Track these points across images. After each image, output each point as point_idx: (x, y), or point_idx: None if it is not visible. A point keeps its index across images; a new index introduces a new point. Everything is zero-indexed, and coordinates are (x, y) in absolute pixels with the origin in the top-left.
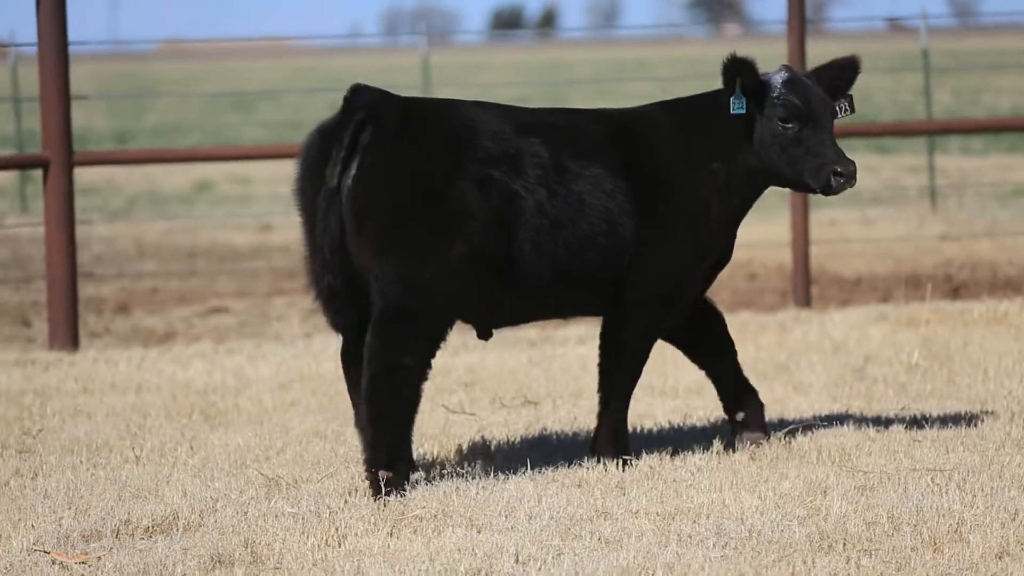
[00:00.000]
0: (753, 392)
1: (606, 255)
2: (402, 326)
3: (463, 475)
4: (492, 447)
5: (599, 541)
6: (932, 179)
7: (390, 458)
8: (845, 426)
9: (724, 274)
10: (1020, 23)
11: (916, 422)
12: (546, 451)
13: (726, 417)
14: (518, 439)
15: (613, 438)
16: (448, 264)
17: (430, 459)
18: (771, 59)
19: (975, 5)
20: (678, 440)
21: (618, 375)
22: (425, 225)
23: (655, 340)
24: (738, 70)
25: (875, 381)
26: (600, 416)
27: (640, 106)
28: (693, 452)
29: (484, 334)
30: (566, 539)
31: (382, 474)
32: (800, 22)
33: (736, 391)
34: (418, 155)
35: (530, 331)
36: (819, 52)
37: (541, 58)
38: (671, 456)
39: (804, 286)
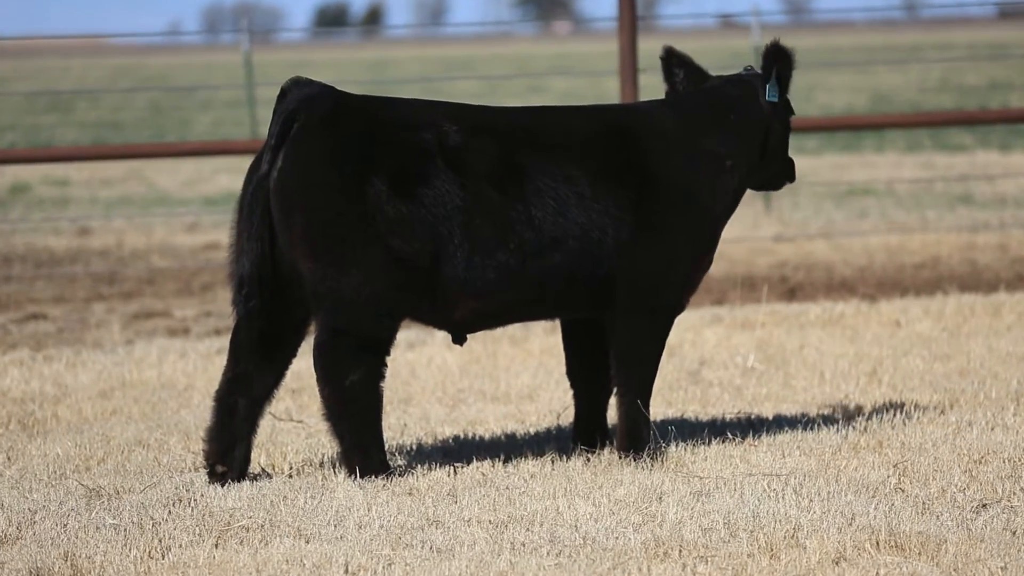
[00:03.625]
0: (604, 431)
1: (579, 257)
2: (341, 346)
3: (291, 484)
4: (321, 455)
5: (431, 550)
6: None
7: (364, 466)
8: (681, 431)
9: None
10: (853, 20)
11: (752, 426)
12: None
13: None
14: None
15: (631, 438)
16: (371, 269)
17: (256, 468)
18: (603, 57)
19: (808, 2)
20: (511, 446)
21: (628, 375)
22: (345, 227)
23: (665, 337)
24: (777, 59)
25: (710, 385)
26: (618, 416)
27: (638, 102)
28: (526, 458)
29: (456, 338)
30: (397, 548)
31: (362, 484)
32: (631, 19)
33: (591, 424)
34: (338, 150)
35: None
36: (651, 49)
37: (366, 56)
38: (504, 463)
39: None
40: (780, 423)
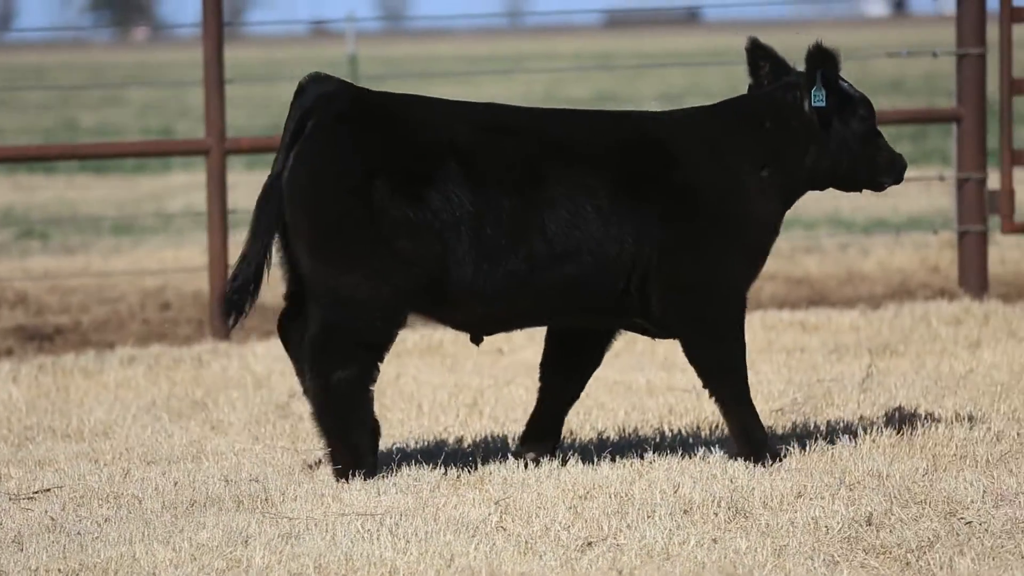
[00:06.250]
0: (556, 440)
1: (593, 270)
2: (333, 341)
3: None
4: None
5: None
6: None
7: (354, 459)
8: (268, 468)
9: (133, 303)
10: (451, 28)
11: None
12: None
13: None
14: None
15: (745, 444)
16: (374, 269)
17: None
18: (186, 66)
19: (405, 9)
20: (84, 489)
21: (719, 390)
22: (349, 227)
23: (738, 341)
24: (822, 61)
25: (300, 419)
26: (730, 431)
27: (673, 110)
28: (100, 502)
29: (474, 339)
30: None
31: (352, 474)
32: (217, 26)
33: (545, 429)
34: (348, 151)
35: None
36: (238, 58)
37: None
38: (76, 506)
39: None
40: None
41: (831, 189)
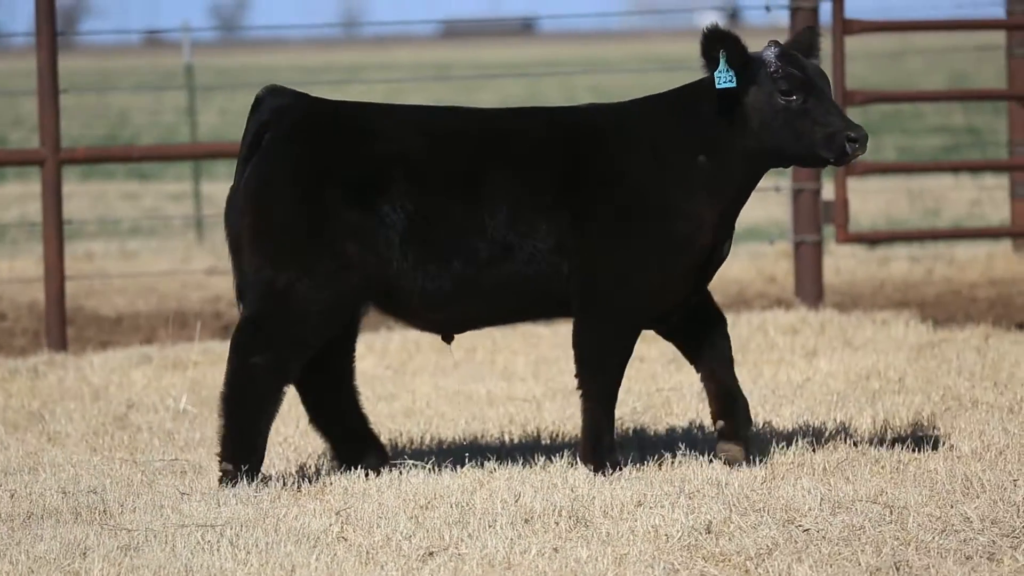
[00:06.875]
0: (741, 402)
1: (528, 265)
2: (256, 328)
3: None
4: None
5: None
6: (198, 208)
7: (234, 451)
8: (107, 480)
9: None
10: (287, 37)
11: (185, 473)
12: None
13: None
14: None
15: (593, 447)
16: (312, 272)
17: None
18: (20, 74)
19: (240, 19)
20: None
21: (589, 383)
22: (291, 230)
23: (626, 344)
24: (719, 42)
25: (139, 429)
26: (582, 426)
27: (604, 104)
28: None
29: (444, 338)
30: None
31: (224, 465)
32: (51, 35)
33: (723, 398)
34: (301, 164)
35: None
36: (73, 67)
37: None
38: None
39: (59, 327)
40: (214, 470)
41: None
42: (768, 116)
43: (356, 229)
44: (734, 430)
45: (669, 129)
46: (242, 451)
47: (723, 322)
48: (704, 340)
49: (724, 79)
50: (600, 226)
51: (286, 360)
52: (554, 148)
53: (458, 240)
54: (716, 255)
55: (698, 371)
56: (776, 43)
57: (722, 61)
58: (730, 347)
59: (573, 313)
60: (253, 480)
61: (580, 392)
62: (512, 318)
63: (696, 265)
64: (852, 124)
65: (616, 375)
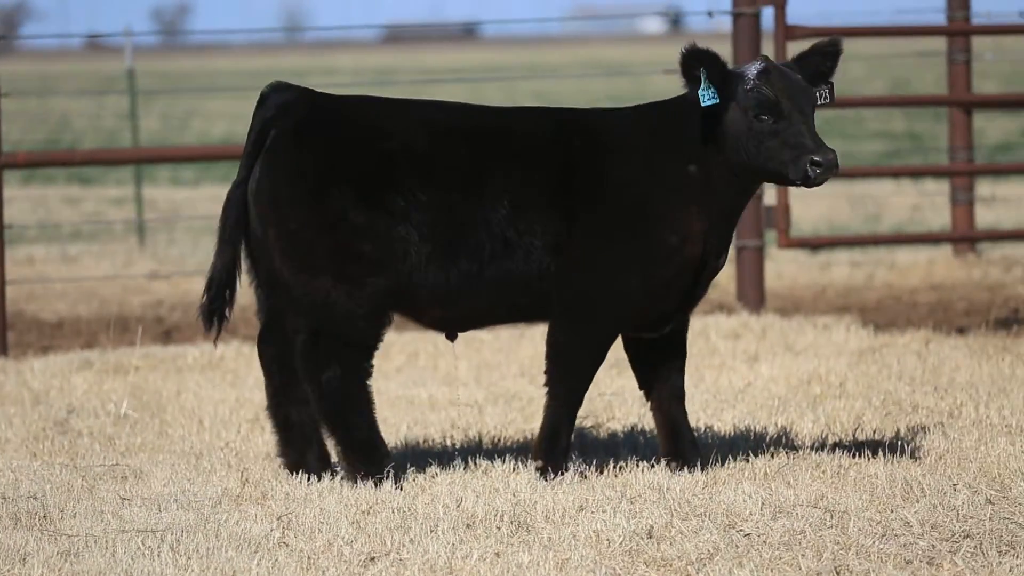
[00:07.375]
0: (687, 439)
1: (526, 263)
2: (318, 344)
3: None
4: None
5: None
6: (140, 212)
7: (367, 456)
8: (47, 485)
9: None
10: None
11: (125, 479)
12: None
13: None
14: None
15: (548, 446)
16: (339, 275)
17: None
18: None
19: (181, 23)
20: None
21: (557, 383)
22: (311, 235)
23: (599, 349)
24: (699, 61)
25: (80, 435)
26: (542, 424)
27: (605, 108)
28: None
29: (448, 336)
30: None
31: (362, 473)
32: None
33: (670, 436)
34: (307, 161)
35: None
36: (12, 71)
37: None
38: None
39: (0, 332)
40: (156, 475)
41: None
42: (742, 134)
43: (368, 228)
44: (681, 467)
45: (661, 138)
46: (367, 457)
47: (683, 357)
48: (659, 372)
49: (708, 96)
50: (587, 227)
51: (357, 365)
52: (555, 148)
53: (465, 236)
54: (707, 268)
55: (647, 399)
56: (765, 58)
57: (703, 79)
58: (683, 382)
59: (551, 312)
60: (388, 474)
61: (547, 391)
62: (515, 316)
63: (682, 276)
64: (822, 147)
65: (585, 379)
